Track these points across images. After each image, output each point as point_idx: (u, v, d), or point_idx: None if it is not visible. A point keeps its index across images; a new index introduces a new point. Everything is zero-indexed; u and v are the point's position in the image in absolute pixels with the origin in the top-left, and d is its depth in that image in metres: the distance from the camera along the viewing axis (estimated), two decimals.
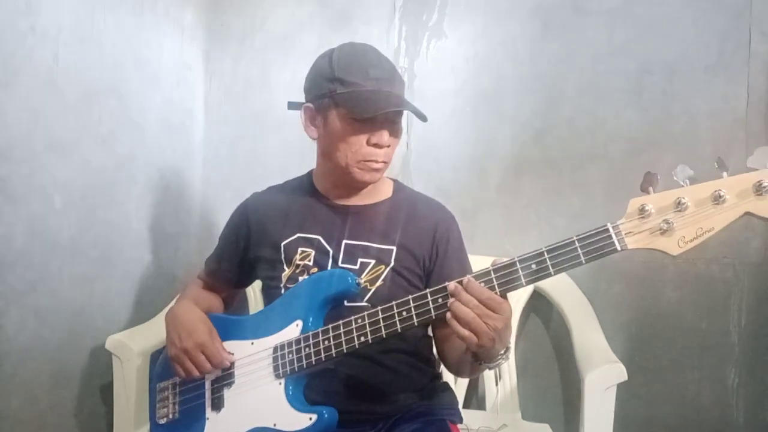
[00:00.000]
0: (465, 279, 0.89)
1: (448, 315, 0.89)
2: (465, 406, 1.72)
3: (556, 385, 1.79)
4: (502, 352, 0.95)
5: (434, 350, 1.22)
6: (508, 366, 1.69)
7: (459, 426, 1.18)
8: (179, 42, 1.85)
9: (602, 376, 1.36)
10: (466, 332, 0.87)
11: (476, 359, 0.98)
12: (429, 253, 1.15)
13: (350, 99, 1.05)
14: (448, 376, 1.25)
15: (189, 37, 1.90)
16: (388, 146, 1.09)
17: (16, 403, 1.34)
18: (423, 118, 1.08)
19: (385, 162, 1.10)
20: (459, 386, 1.64)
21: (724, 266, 1.66)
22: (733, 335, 1.66)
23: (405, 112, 1.10)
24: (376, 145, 1.07)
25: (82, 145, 1.47)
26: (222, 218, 1.30)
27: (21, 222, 1.32)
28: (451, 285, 0.89)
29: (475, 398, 1.78)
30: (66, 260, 1.44)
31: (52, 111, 1.37)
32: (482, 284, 0.88)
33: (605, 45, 1.72)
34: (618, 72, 1.72)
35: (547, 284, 1.66)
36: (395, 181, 1.25)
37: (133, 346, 1.48)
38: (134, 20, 1.63)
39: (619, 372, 1.35)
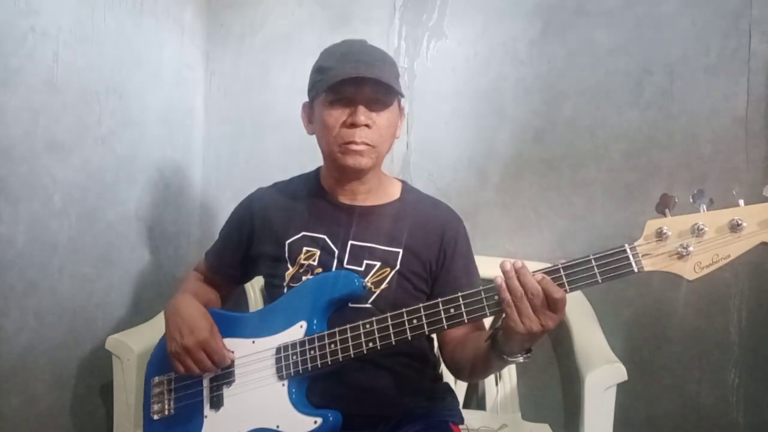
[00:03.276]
0: (539, 275, 0.86)
1: (498, 281, 0.86)
2: (465, 406, 1.71)
3: (556, 385, 1.78)
4: (529, 349, 0.93)
5: (435, 351, 1.22)
6: (508, 366, 1.68)
7: (460, 426, 1.17)
8: (179, 42, 1.85)
9: (602, 376, 1.36)
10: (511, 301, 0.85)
11: (497, 351, 0.95)
12: (436, 256, 1.13)
13: (324, 81, 1.04)
14: (448, 377, 1.25)
15: (189, 37, 1.90)
16: (367, 125, 1.05)
17: (16, 403, 1.34)
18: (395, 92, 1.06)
19: (366, 144, 1.05)
20: (459, 387, 1.63)
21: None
22: (733, 335, 1.66)
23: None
24: (353, 125, 1.04)
25: (82, 145, 1.47)
26: (222, 218, 1.30)
27: (21, 222, 1.31)
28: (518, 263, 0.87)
29: (475, 398, 1.78)
30: (66, 260, 1.44)
31: (52, 111, 1.37)
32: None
33: (605, 45, 1.72)
34: (618, 72, 1.71)
35: None
36: (404, 183, 1.22)
37: (133, 346, 1.48)
38: (134, 20, 1.63)
39: (619, 372, 1.35)
